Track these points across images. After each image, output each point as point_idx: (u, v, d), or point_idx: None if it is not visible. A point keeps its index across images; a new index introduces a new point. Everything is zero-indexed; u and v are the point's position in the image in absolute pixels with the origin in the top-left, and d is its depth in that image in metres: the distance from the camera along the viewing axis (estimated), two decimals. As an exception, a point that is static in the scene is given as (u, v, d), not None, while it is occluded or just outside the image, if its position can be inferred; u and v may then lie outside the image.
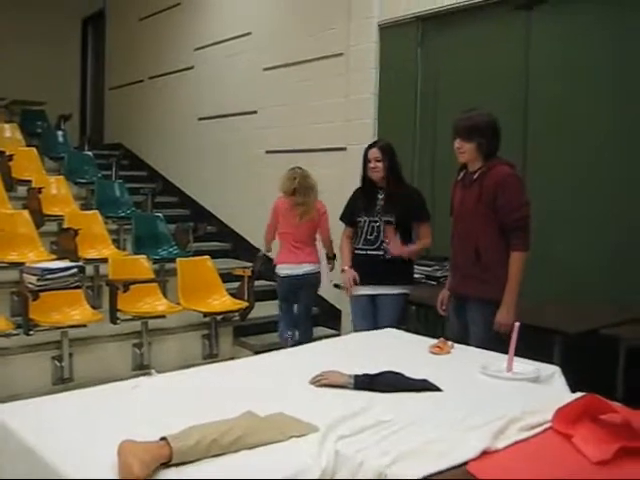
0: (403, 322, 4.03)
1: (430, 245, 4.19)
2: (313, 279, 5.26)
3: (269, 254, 5.61)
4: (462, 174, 3.53)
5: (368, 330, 3.88)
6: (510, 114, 4.60)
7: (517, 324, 2.62)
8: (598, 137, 4.25)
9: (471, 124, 3.37)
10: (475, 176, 3.39)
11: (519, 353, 2.61)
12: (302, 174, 5.25)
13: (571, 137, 4.38)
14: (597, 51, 4.27)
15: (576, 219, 4.35)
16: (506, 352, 2.62)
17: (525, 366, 2.62)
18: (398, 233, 4.05)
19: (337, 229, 4.56)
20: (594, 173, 4.27)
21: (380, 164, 4.07)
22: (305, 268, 5.18)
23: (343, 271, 4.27)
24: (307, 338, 5.29)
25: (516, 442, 1.82)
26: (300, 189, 5.18)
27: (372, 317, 4.14)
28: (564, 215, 4.37)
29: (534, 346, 2.84)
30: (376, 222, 4.06)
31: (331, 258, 5.36)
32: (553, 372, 2.71)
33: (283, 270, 5.22)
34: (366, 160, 4.13)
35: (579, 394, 2.05)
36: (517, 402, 2.09)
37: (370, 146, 4.19)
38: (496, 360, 2.66)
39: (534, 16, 4.53)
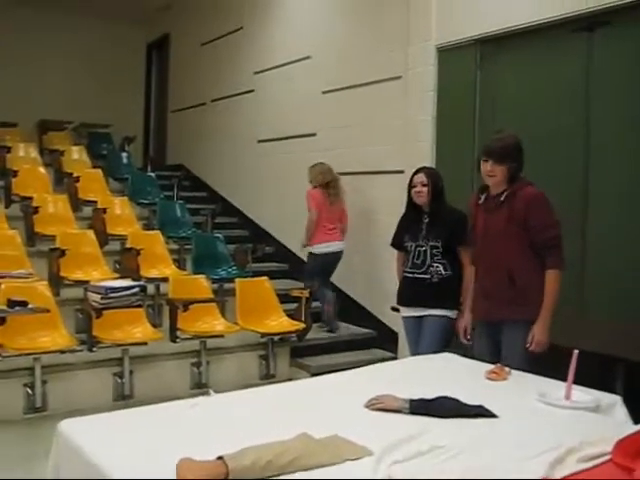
0: (448, 345, 3.98)
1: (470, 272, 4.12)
2: (342, 255, 6.17)
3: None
4: (483, 198, 3.52)
5: (415, 351, 3.99)
6: (571, 138, 4.54)
7: (576, 352, 2.57)
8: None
9: (503, 145, 3.40)
10: (502, 198, 3.39)
11: (576, 380, 2.57)
12: (329, 168, 6.19)
13: (634, 159, 4.28)
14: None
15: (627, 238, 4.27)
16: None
17: (584, 395, 2.57)
18: (445, 257, 4.04)
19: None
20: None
21: (425, 189, 4.07)
22: (339, 246, 6.15)
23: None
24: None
25: (574, 473, 1.79)
26: (332, 181, 6.14)
27: (418, 338, 4.16)
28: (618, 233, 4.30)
29: (592, 373, 2.78)
30: (422, 247, 4.07)
31: None
32: (614, 402, 2.65)
33: (322, 248, 6.09)
34: (411, 185, 4.15)
35: (641, 425, 2.01)
36: (576, 432, 2.06)
37: (416, 171, 4.21)
38: (554, 388, 2.62)
39: (595, 38, 4.46)
